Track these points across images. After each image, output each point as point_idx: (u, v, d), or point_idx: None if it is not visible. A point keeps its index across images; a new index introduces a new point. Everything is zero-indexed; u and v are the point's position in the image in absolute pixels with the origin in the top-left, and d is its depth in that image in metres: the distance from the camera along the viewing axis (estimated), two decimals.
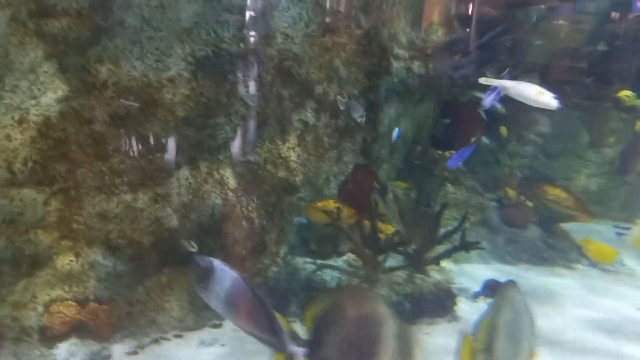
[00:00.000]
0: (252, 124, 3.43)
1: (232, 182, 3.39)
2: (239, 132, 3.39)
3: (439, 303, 3.49)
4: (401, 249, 3.51)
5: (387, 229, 3.63)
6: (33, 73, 2.66)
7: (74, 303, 3.00)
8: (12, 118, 2.67)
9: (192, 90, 3.09)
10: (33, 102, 2.72)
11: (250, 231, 3.42)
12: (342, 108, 3.53)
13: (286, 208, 3.71)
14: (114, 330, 3.07)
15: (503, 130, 5.10)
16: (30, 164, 2.76)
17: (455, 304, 3.58)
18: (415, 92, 4.57)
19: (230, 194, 3.36)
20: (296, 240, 3.83)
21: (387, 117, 4.28)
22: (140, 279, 3.22)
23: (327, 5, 3.73)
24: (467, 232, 3.67)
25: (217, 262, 1.96)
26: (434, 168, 4.87)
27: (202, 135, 3.21)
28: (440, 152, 4.95)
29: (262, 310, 1.89)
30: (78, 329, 2.97)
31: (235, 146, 3.41)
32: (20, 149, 2.71)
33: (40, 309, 2.91)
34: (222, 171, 3.36)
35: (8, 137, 2.66)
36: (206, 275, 1.92)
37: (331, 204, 3.52)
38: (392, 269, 3.54)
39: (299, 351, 1.81)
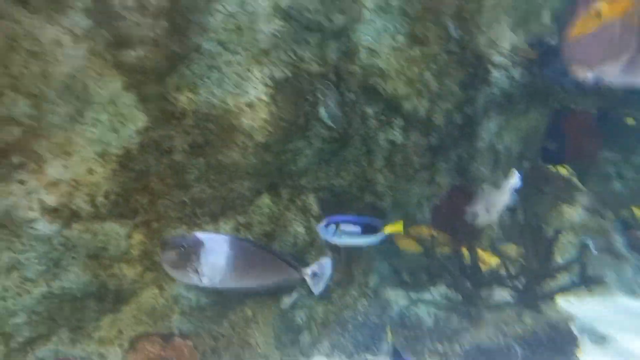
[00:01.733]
0: (334, 146, 3.22)
1: (315, 208, 3.19)
2: (321, 155, 3.19)
3: (556, 347, 3.01)
4: (508, 282, 3.08)
5: (491, 258, 3.23)
6: (113, 105, 2.64)
7: (158, 339, 2.94)
8: (94, 152, 2.66)
9: (271, 115, 2.95)
10: (114, 134, 2.70)
11: (336, 261, 3.19)
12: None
13: None
14: None
15: (630, 121, 4.34)
16: (112, 197, 2.74)
17: (578, 347, 3.08)
18: (520, 103, 4.12)
19: (314, 221, 3.16)
20: (387, 270, 3.54)
21: (487, 132, 3.88)
22: (224, 312, 3.11)
23: (415, 14, 3.44)
24: (587, 262, 3.16)
25: (201, 234, 1.85)
26: (544, 186, 4.35)
27: (282, 160, 3.05)
28: (552, 167, 4.43)
29: (268, 254, 1.93)
30: None
31: (318, 170, 3.22)
32: (102, 182, 2.69)
33: (126, 345, 2.87)
34: (304, 197, 3.17)
35: (90, 171, 2.66)
36: (195, 252, 1.79)
37: (424, 231, 3.20)
38: (498, 306, 3.13)
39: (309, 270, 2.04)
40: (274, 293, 3.17)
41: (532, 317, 3.11)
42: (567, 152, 4.27)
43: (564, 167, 4.34)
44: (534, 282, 3.10)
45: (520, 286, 3.11)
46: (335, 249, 3.22)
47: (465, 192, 3.49)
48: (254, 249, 1.94)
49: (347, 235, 2.26)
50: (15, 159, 2.32)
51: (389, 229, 2.27)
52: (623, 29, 1.04)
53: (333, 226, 2.25)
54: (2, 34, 2.09)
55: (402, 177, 3.53)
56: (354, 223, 2.23)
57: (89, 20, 2.30)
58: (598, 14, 1.07)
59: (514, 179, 2.73)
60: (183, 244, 1.80)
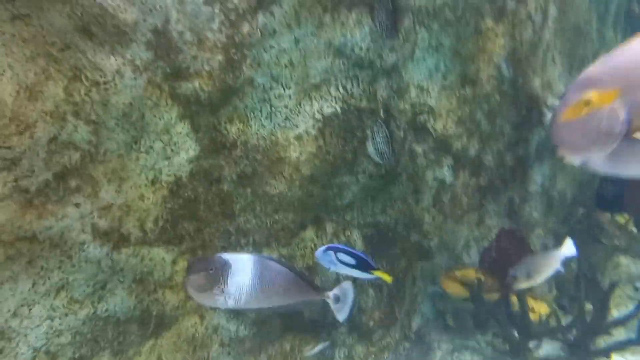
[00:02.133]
0: (381, 182, 3.19)
1: (359, 244, 3.15)
2: (368, 191, 3.17)
3: None
4: (559, 334, 2.92)
5: (541, 307, 3.07)
6: (167, 134, 2.72)
7: None
8: (146, 178, 2.74)
9: (318, 148, 2.97)
10: (166, 162, 2.78)
11: (378, 300, 3.12)
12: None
13: (419, 275, 3.35)
14: None
15: None
16: (160, 223, 2.79)
17: None
18: None
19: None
20: (431, 312, 3.43)
21: (540, 175, 3.77)
22: (263, 345, 3.08)
23: (467, 54, 3.42)
24: None
25: (227, 255, 1.80)
26: (600, 234, 4.15)
27: (328, 194, 3.05)
28: (608, 214, 4.23)
29: (291, 273, 1.89)
30: None
31: (364, 206, 3.19)
32: (152, 208, 2.76)
33: None
34: (348, 232, 3.14)
35: (141, 197, 2.73)
36: (223, 274, 1.74)
37: (471, 274, 3.10)
38: (547, 359, 2.96)
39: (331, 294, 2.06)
40: (294, 313, 3.13)
41: None
42: (624, 199, 4.07)
43: (621, 215, 4.14)
44: (588, 336, 2.92)
45: (572, 340, 2.94)
46: (377, 287, 3.16)
47: (516, 236, 3.37)
48: (278, 268, 1.92)
49: (343, 264, 2.23)
50: (73, 183, 2.41)
51: (378, 273, 2.24)
52: (609, 119, 1.07)
53: (331, 253, 2.24)
54: (68, 63, 2.21)
55: (450, 217, 3.46)
56: (351, 255, 2.21)
57: (149, 53, 2.40)
58: (588, 102, 1.10)
59: (568, 249, 2.58)
60: (210, 266, 1.79)
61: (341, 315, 2.16)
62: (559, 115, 1.15)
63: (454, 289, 3.13)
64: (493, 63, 3.50)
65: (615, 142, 1.09)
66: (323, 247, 2.23)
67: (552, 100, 3.75)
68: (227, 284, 1.78)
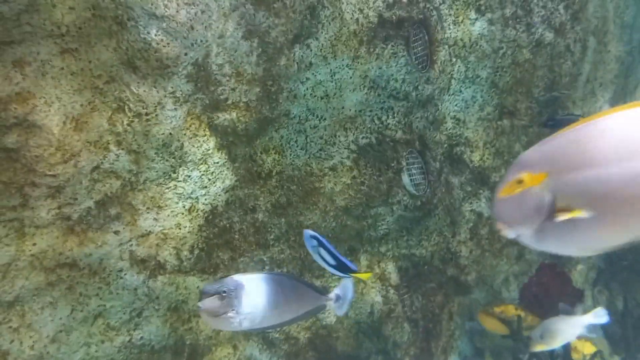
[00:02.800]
0: (416, 214, 3.16)
1: (394, 277, 3.10)
2: (403, 223, 3.13)
3: None
4: None
5: (585, 347, 2.94)
6: (204, 164, 2.77)
7: None
8: (183, 207, 2.78)
9: (353, 179, 2.97)
10: (203, 191, 2.82)
11: (414, 335, 3.05)
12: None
13: (456, 311, 3.27)
14: None
15: None
16: (196, 252, 2.82)
17: None
18: None
19: (392, 291, 3.06)
20: (468, 349, 3.33)
21: None
22: None
23: (504, 86, 3.40)
24: None
25: (239, 276, 1.80)
26: None
27: (362, 225, 3.03)
28: None
29: (298, 284, 1.91)
30: None
31: (399, 238, 3.15)
32: (188, 237, 2.79)
33: None
34: (383, 265, 3.10)
35: (178, 225, 2.77)
36: (237, 296, 1.70)
37: (511, 310, 3.00)
38: None
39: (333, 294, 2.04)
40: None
41: None
42: None
43: None
44: None
45: None
46: (413, 322, 3.09)
47: (556, 271, 3.26)
48: (288, 282, 1.89)
49: (322, 259, 2.18)
50: (113, 211, 2.47)
51: (357, 275, 2.18)
52: (536, 199, 1.17)
53: (315, 242, 2.19)
54: (113, 95, 2.30)
55: (488, 251, 3.38)
56: (332, 255, 2.16)
57: (189, 85, 2.47)
58: (520, 182, 1.20)
59: (596, 317, 2.43)
60: (224, 290, 1.77)
61: (340, 311, 2.11)
62: (497, 192, 1.25)
63: (493, 326, 3.03)
64: (531, 94, 3.46)
65: (540, 220, 1.19)
66: (312, 233, 2.17)
67: None
68: (241, 306, 1.76)
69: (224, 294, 1.75)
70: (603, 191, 1.13)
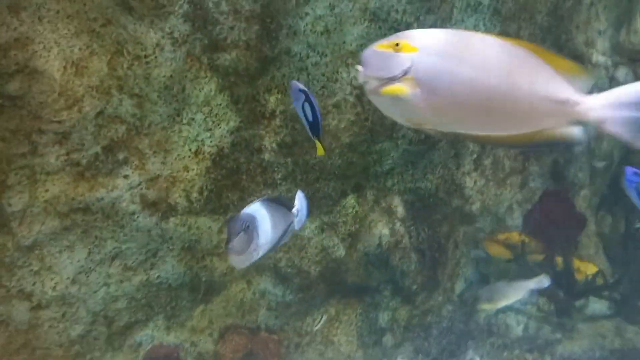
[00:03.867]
0: (421, 148, 3.18)
1: (400, 210, 3.16)
2: (408, 157, 3.16)
3: None
4: (606, 293, 2.88)
5: (587, 268, 3.03)
6: (207, 106, 2.78)
7: (246, 331, 3.04)
8: (190, 150, 2.81)
9: (357, 115, 2.97)
10: (208, 134, 2.84)
11: (421, 264, 3.14)
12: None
13: (462, 240, 3.35)
14: None
15: None
16: (205, 193, 2.87)
17: None
18: None
19: (399, 223, 3.13)
20: (474, 276, 3.43)
21: (585, 135, 3.66)
22: (309, 309, 3.16)
23: (507, 12, 3.33)
24: None
25: (248, 210, 1.81)
26: None
27: (368, 161, 3.06)
28: None
29: (280, 205, 1.96)
30: (247, 358, 2.99)
31: (404, 172, 3.19)
32: (196, 179, 2.83)
33: (215, 335, 3.00)
34: (389, 199, 3.15)
35: (186, 168, 2.81)
36: (255, 229, 1.75)
37: (515, 237, 3.07)
38: (595, 318, 2.93)
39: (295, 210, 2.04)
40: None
41: (633, 332, 2.88)
42: None
43: None
44: (636, 294, 2.87)
45: (619, 298, 2.90)
46: (420, 252, 3.18)
47: (560, 197, 3.31)
48: (272, 204, 1.93)
49: (302, 112, 2.16)
50: (121, 155, 2.50)
51: (317, 141, 2.17)
52: (399, 62, 1.35)
53: (303, 96, 2.15)
54: (110, 38, 2.28)
55: (492, 181, 3.42)
56: (313, 113, 2.13)
57: (187, 25, 2.44)
58: (398, 44, 1.35)
59: (538, 283, 2.66)
60: (247, 225, 1.79)
61: (298, 225, 2.15)
62: (375, 44, 1.40)
63: (497, 251, 3.12)
64: (535, 21, 3.40)
65: (388, 79, 1.33)
66: (301, 86, 2.13)
67: (597, 57, 3.62)
68: (258, 237, 1.79)
69: (247, 229, 1.77)
70: (444, 79, 1.31)
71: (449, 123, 1.39)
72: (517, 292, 2.66)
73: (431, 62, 1.32)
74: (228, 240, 1.77)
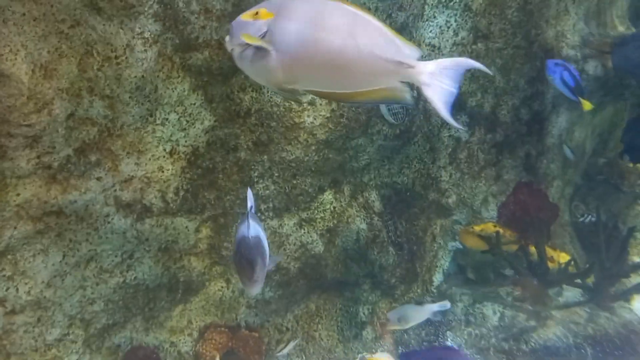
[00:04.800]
0: (396, 143, 3.21)
1: (377, 205, 3.19)
2: (384, 152, 3.19)
3: (630, 349, 2.84)
4: (578, 281, 2.94)
5: (560, 256, 3.09)
6: (181, 105, 2.77)
7: (226, 330, 3.05)
8: (164, 150, 2.80)
9: (332, 112, 2.98)
10: (182, 133, 2.83)
11: (399, 257, 3.17)
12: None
13: (439, 232, 3.39)
14: (262, 357, 3.05)
15: None
16: (181, 193, 2.87)
17: None
18: (592, 97, 3.92)
19: (376, 218, 3.16)
20: (451, 267, 3.48)
21: (556, 128, 3.73)
22: (289, 306, 3.17)
23: (478, 8, 3.37)
24: None
25: (254, 229, 1.83)
26: (621, 183, 4.11)
27: (344, 157, 3.08)
28: (631, 164, 4.19)
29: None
30: (228, 356, 3.00)
31: (381, 167, 3.22)
32: (172, 179, 2.83)
33: (195, 334, 3.00)
34: (366, 194, 3.18)
35: (161, 169, 2.80)
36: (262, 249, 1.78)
37: (490, 228, 3.12)
38: (568, 305, 2.99)
39: None
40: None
41: (605, 318, 2.95)
42: None
43: None
44: (607, 281, 2.94)
45: (592, 285, 2.96)
46: (398, 245, 3.21)
47: (533, 188, 3.37)
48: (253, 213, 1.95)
49: None
50: (93, 157, 2.48)
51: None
52: (257, 27, 1.50)
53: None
54: (79, 40, 2.26)
55: (467, 174, 3.47)
56: None
57: (157, 25, 2.43)
58: (257, 13, 1.50)
59: (442, 306, 2.84)
60: (260, 252, 1.78)
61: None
62: (241, 15, 1.52)
63: (473, 243, 3.16)
64: (505, 16, 3.45)
65: (250, 45, 1.47)
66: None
67: (567, 51, 3.68)
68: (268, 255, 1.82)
69: (262, 255, 1.80)
70: (294, 41, 1.44)
71: (302, 81, 1.52)
72: (422, 314, 2.85)
73: (284, 26, 1.44)
74: (249, 276, 1.73)
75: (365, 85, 1.49)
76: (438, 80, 1.44)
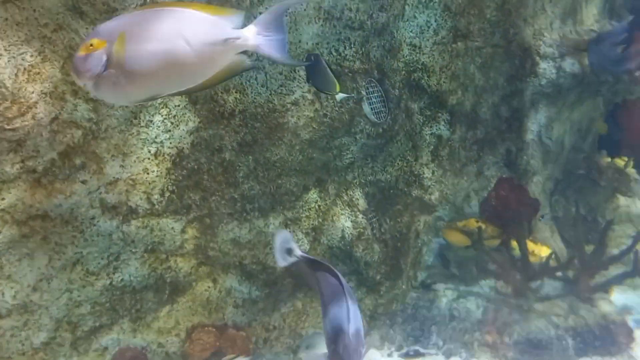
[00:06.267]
0: (379, 141, 3.25)
1: (362, 203, 3.23)
2: (367, 150, 3.23)
3: (610, 339, 2.91)
4: (559, 274, 3.02)
5: (541, 250, 3.16)
6: (165, 107, 2.78)
7: (213, 329, 3.06)
8: (149, 151, 2.81)
9: (315, 112, 3.02)
10: (167, 135, 2.84)
11: (384, 254, 3.22)
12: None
13: (422, 229, 3.44)
14: (250, 356, 3.07)
15: None
16: (167, 194, 2.87)
17: (633, 340, 2.97)
18: (570, 94, 4.01)
19: (361, 215, 3.20)
20: (435, 263, 3.54)
21: (536, 124, 3.81)
22: (276, 304, 3.20)
23: (457, 8, 3.43)
24: None
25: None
26: (600, 177, 4.21)
27: (328, 156, 3.12)
28: (608, 159, 4.29)
29: None
30: (216, 355, 3.01)
31: (364, 165, 3.26)
32: (157, 181, 2.83)
33: (182, 335, 3.01)
34: (351, 192, 3.22)
35: (146, 170, 2.80)
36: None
37: (473, 224, 3.18)
38: (549, 298, 3.06)
39: None
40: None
41: (585, 309, 3.03)
42: (623, 142, 4.12)
43: (620, 158, 4.19)
44: (587, 274, 3.01)
45: (572, 278, 3.04)
46: (383, 242, 3.26)
47: (514, 184, 3.44)
48: None
49: None
50: (78, 160, 2.49)
51: None
52: (96, 59, 1.58)
53: None
54: (62, 44, 2.27)
55: (449, 171, 3.52)
56: None
57: None
58: (91, 44, 1.57)
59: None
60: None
61: None
62: (77, 51, 1.59)
63: (456, 239, 3.22)
64: (483, 15, 3.51)
65: (98, 74, 1.56)
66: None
67: (544, 49, 3.75)
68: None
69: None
70: (134, 59, 1.55)
71: (155, 90, 1.63)
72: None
73: (119, 49, 1.54)
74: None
75: (210, 72, 1.62)
76: (264, 37, 1.60)
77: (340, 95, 2.64)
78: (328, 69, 2.56)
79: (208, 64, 1.61)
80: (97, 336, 2.73)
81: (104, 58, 1.54)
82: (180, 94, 1.76)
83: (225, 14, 1.62)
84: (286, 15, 1.66)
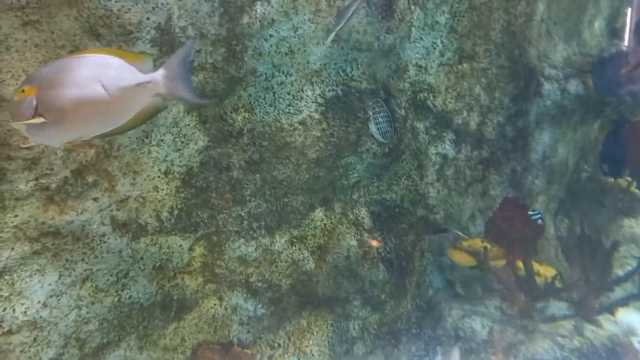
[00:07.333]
0: (385, 161, 3.29)
1: (367, 222, 3.26)
2: (373, 170, 3.26)
3: None
4: (564, 294, 3.03)
5: (546, 270, 3.18)
6: (176, 127, 2.83)
7: (218, 347, 3.07)
8: (159, 170, 2.85)
9: (322, 131, 3.06)
10: (177, 154, 2.88)
11: (389, 273, 3.24)
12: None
13: (427, 248, 3.46)
14: None
15: None
16: (176, 212, 2.91)
17: None
18: (574, 114, 4.05)
19: (366, 234, 3.23)
20: (440, 282, 3.55)
21: (540, 144, 3.84)
22: (281, 322, 3.21)
23: (463, 30, 3.49)
24: None
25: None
26: (603, 198, 4.23)
27: (334, 175, 3.15)
28: (612, 179, 4.31)
29: None
30: None
31: (370, 185, 3.29)
32: (166, 199, 2.87)
33: (188, 352, 3.02)
34: (356, 211, 3.25)
35: (156, 188, 2.84)
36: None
37: (478, 243, 3.20)
38: (555, 319, 3.07)
39: None
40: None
41: (591, 330, 3.03)
42: (627, 163, 4.14)
43: (624, 178, 4.21)
44: (592, 295, 3.02)
45: (577, 299, 3.05)
46: (388, 262, 3.28)
47: (519, 204, 3.46)
48: None
49: None
50: (90, 178, 2.53)
51: None
52: (27, 104, 1.65)
53: None
54: None
55: (455, 190, 3.55)
56: None
57: (154, 50, 2.49)
58: (24, 90, 1.64)
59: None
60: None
61: None
62: (14, 95, 1.67)
63: (462, 259, 3.23)
64: (489, 37, 3.57)
65: (28, 120, 1.64)
66: None
67: (549, 71, 3.80)
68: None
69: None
70: (59, 104, 1.64)
71: (81, 133, 1.72)
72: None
73: (45, 95, 1.64)
74: None
75: (129, 113, 1.73)
76: (171, 79, 1.69)
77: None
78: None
79: (125, 107, 1.71)
80: (105, 353, 2.74)
81: (34, 103, 1.64)
82: (105, 135, 1.79)
83: (138, 60, 1.71)
84: (191, 58, 1.77)
